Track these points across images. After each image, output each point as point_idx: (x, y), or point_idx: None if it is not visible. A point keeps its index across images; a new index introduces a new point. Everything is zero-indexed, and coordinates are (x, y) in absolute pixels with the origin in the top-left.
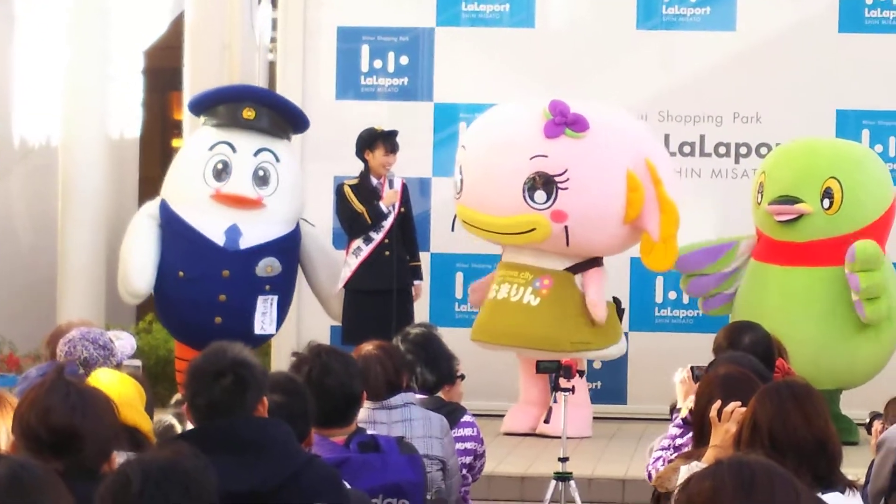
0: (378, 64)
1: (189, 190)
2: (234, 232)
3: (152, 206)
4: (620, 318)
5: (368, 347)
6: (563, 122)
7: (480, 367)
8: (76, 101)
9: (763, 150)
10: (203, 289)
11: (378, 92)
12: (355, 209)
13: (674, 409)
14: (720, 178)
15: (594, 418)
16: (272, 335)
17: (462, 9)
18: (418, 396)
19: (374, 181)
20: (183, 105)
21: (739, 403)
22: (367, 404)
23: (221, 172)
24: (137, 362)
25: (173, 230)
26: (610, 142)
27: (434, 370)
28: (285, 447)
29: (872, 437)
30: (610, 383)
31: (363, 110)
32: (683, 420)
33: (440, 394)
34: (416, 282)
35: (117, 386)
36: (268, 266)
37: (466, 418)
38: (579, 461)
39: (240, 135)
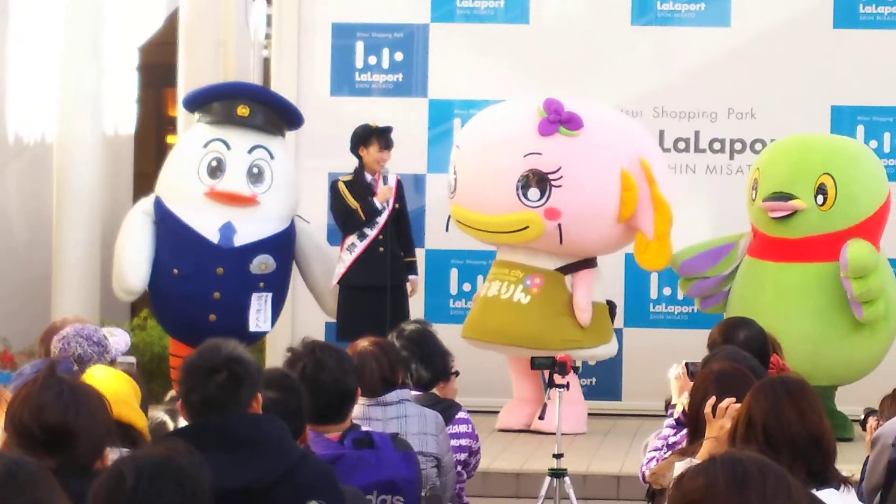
0: (373, 60)
1: (183, 187)
2: (228, 229)
3: (147, 203)
4: (613, 320)
5: (363, 344)
6: (558, 120)
7: (475, 363)
8: (71, 97)
9: (758, 146)
10: (197, 286)
11: (373, 88)
12: (349, 205)
13: (669, 405)
14: (715, 174)
15: (589, 414)
16: (266, 332)
17: (456, 5)
18: (413, 393)
19: (369, 177)
20: (178, 101)
21: (734, 399)
22: (361, 401)
23: (216, 170)
24: (132, 359)
25: (168, 227)
26: (604, 140)
27: (429, 367)
28: (280, 443)
29: (867, 434)
30: (604, 380)
31: (358, 107)
32: (677, 421)
33: (435, 390)
34: (411, 276)
35: (112, 383)
36: (262, 263)
37: (461, 415)
38: (574, 457)
39: (234, 132)
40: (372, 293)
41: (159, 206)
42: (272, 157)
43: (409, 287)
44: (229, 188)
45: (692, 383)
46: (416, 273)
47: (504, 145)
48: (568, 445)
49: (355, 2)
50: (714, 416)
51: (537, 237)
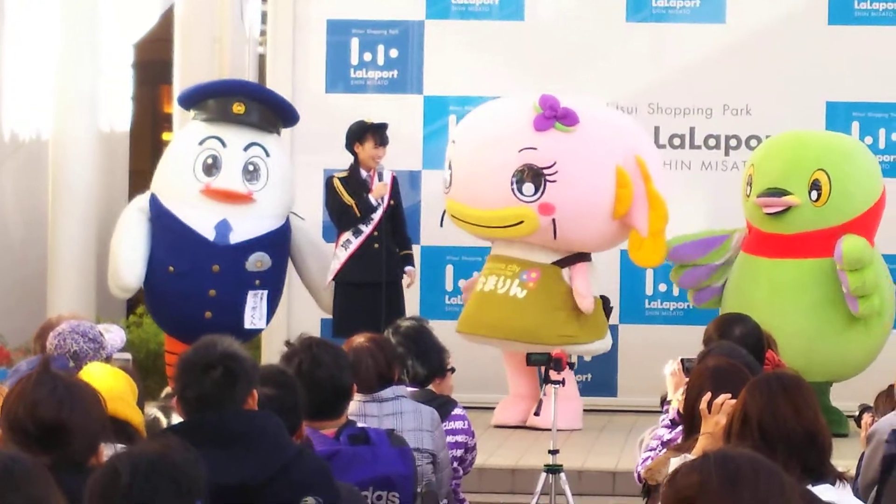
0: (368, 57)
1: (179, 185)
2: (224, 227)
3: (142, 200)
4: (608, 316)
5: (360, 340)
6: (553, 115)
7: (471, 359)
8: (66, 94)
9: (753, 143)
10: (193, 283)
11: (368, 85)
12: (344, 202)
13: (664, 401)
14: (710, 170)
15: (584, 411)
16: (262, 329)
17: (451, 2)
18: (409, 389)
19: (364, 174)
20: (173, 98)
21: (729, 395)
22: (357, 397)
23: (211, 167)
24: (127, 355)
25: (163, 224)
26: (600, 137)
27: (425, 363)
28: (275, 440)
29: (862, 430)
30: (600, 376)
31: (353, 103)
32: (672, 421)
33: (431, 387)
34: (408, 268)
35: (109, 380)
36: (258, 261)
37: (457, 411)
38: (569, 453)
39: (229, 129)
40: (367, 290)
41: (155, 204)
42: (268, 154)
43: (406, 279)
44: (225, 186)
45: (687, 379)
46: (412, 265)
47: (499, 140)
48: (563, 441)
49: None
50: (709, 413)
51: (531, 232)
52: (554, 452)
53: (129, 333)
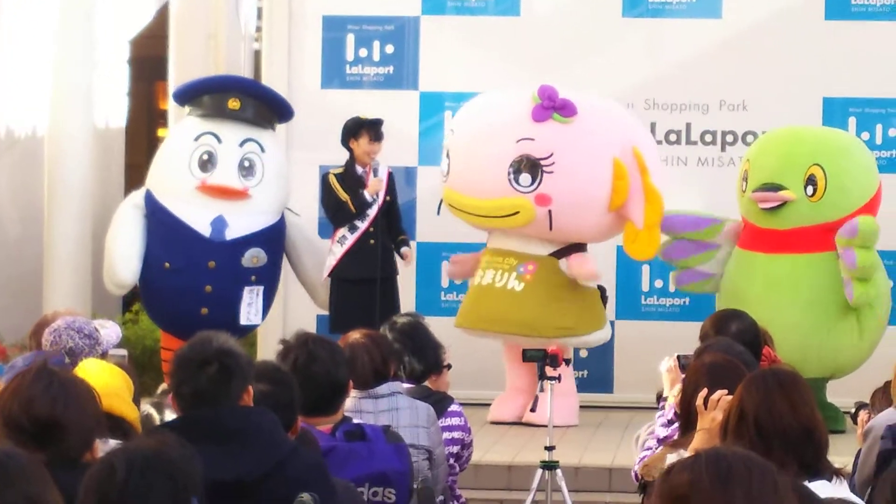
0: (363, 53)
1: (174, 181)
2: (220, 223)
3: (137, 196)
4: (605, 306)
5: (356, 336)
6: (552, 106)
7: (467, 355)
8: (62, 90)
9: (749, 138)
10: (189, 279)
11: (363, 81)
12: (340, 198)
13: (660, 397)
14: (706, 166)
15: (581, 407)
16: (258, 325)
17: None
18: (405, 385)
19: (360, 170)
20: (168, 95)
21: (726, 392)
22: (353, 393)
23: (207, 163)
24: (123, 352)
25: (159, 221)
26: (597, 128)
27: (421, 359)
28: (271, 436)
29: (859, 427)
30: (596, 372)
31: (348, 99)
32: (669, 420)
33: (427, 383)
34: (403, 248)
35: (105, 376)
36: (254, 257)
37: (453, 407)
38: (566, 450)
39: (225, 125)
40: (363, 286)
41: (150, 200)
42: (263, 150)
43: (405, 253)
44: (221, 182)
45: (684, 376)
46: (408, 245)
47: (497, 130)
48: (560, 438)
49: None
50: (706, 409)
51: (527, 223)
52: (550, 449)
53: (125, 330)
